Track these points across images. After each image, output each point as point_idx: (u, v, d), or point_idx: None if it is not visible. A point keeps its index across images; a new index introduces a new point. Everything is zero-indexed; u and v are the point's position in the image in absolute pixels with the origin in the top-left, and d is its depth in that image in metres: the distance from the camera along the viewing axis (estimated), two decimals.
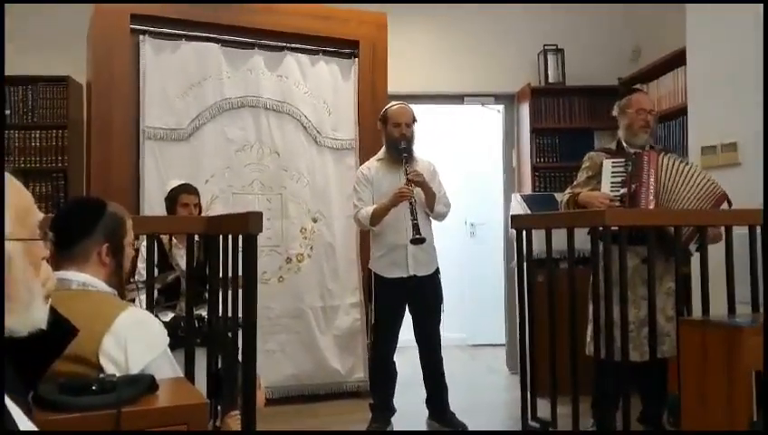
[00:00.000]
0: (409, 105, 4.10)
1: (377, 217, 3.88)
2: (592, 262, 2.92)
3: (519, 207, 4.95)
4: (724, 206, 3.32)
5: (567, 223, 3.10)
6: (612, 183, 3.45)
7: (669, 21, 4.84)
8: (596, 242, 2.88)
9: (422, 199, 3.89)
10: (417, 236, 3.74)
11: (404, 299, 3.96)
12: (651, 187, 3.34)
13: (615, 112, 3.72)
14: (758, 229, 2.95)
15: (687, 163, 3.52)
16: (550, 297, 3.13)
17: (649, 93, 5.01)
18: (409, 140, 3.95)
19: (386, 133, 4.02)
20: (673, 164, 3.38)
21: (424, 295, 3.97)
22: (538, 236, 3.48)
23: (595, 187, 3.54)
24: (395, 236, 3.91)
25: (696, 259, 3.25)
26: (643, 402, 3.61)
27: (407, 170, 3.83)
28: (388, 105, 4.10)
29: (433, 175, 4.02)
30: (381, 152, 4.10)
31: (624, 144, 3.63)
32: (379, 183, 3.99)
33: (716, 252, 3.01)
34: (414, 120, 4.01)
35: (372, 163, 4.10)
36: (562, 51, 5.66)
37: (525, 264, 3.34)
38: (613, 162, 3.48)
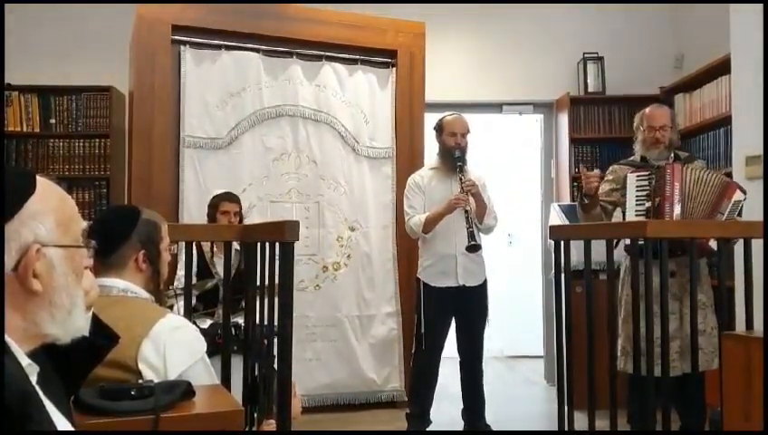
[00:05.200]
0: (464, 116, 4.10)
1: (430, 224, 3.87)
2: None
3: (557, 218, 4.90)
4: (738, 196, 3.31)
5: (606, 234, 3.06)
6: (638, 197, 3.42)
7: (713, 28, 4.75)
8: (633, 255, 2.84)
9: (473, 210, 3.86)
10: (473, 243, 3.72)
11: (451, 309, 3.94)
12: (676, 199, 3.30)
13: (635, 126, 3.73)
14: None
15: (709, 171, 3.49)
16: (588, 309, 3.08)
17: (692, 102, 4.94)
18: (464, 149, 3.95)
19: (441, 142, 4.02)
20: (695, 174, 3.35)
21: (471, 306, 3.94)
22: (576, 247, 3.42)
23: (618, 198, 3.54)
24: (445, 245, 3.90)
25: (739, 272, 3.17)
26: (681, 418, 3.54)
27: (461, 179, 3.81)
28: (444, 114, 4.10)
29: (483, 188, 4.00)
30: (434, 161, 4.10)
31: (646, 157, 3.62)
32: (431, 191, 3.98)
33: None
34: (468, 130, 4.01)
35: (425, 171, 4.10)
36: (602, 59, 5.59)
37: (563, 275, 3.30)
38: (637, 176, 3.44)
